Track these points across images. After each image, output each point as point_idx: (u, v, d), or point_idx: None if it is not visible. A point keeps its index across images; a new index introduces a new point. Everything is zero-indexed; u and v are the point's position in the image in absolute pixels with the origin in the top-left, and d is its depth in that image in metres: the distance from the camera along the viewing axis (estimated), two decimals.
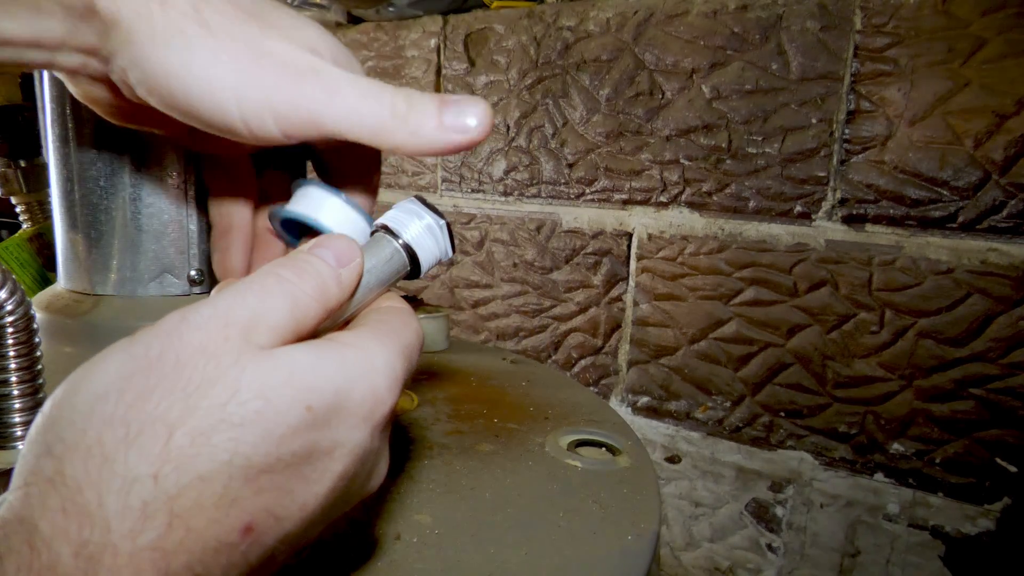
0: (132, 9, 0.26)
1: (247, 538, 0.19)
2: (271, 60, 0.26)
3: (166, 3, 0.26)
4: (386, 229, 0.29)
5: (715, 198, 0.81)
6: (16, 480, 0.19)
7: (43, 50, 0.26)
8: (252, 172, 0.35)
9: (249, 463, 0.19)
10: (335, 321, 0.26)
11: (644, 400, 0.89)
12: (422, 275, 0.30)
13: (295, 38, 0.28)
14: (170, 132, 0.33)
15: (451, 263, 1.02)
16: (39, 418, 0.19)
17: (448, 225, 0.30)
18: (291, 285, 0.22)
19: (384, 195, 1.07)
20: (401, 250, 0.28)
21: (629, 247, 0.88)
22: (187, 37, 0.26)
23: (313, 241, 0.25)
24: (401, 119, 0.26)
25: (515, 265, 0.97)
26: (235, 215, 0.34)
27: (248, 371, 0.20)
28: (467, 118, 0.26)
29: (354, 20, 1.08)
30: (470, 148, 0.28)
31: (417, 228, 0.29)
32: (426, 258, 0.29)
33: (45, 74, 0.46)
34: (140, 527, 0.17)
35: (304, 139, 0.28)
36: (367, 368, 0.22)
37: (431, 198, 1.01)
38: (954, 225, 0.69)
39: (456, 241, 1.05)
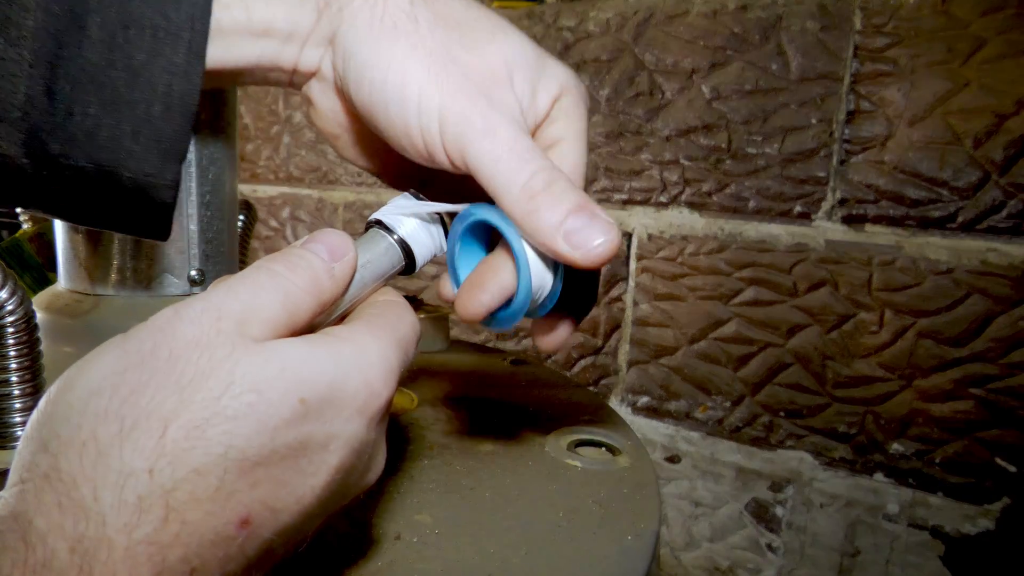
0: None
1: (244, 531, 0.19)
2: (456, 69, 0.26)
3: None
4: (380, 224, 0.29)
5: (715, 198, 0.81)
6: (12, 477, 0.19)
7: (295, 43, 0.28)
8: None
9: (244, 456, 0.19)
10: (330, 316, 0.26)
11: (644, 400, 0.89)
12: (417, 270, 0.30)
13: (489, 52, 0.27)
14: (380, 169, 0.34)
15: None
16: (34, 415, 0.19)
17: (443, 219, 0.30)
18: (283, 279, 0.22)
19: (383, 193, 1.07)
20: (396, 245, 0.28)
21: (629, 247, 0.88)
22: (397, 30, 0.26)
23: (307, 236, 0.25)
24: (528, 196, 0.25)
25: None
26: None
27: (241, 364, 0.20)
28: (593, 235, 0.25)
29: None
30: (580, 266, 0.25)
31: (412, 223, 0.29)
32: (421, 253, 0.29)
33: None
34: (136, 521, 0.18)
35: (452, 165, 0.27)
36: (361, 360, 0.22)
37: None
38: (954, 225, 0.69)
39: None
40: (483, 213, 0.28)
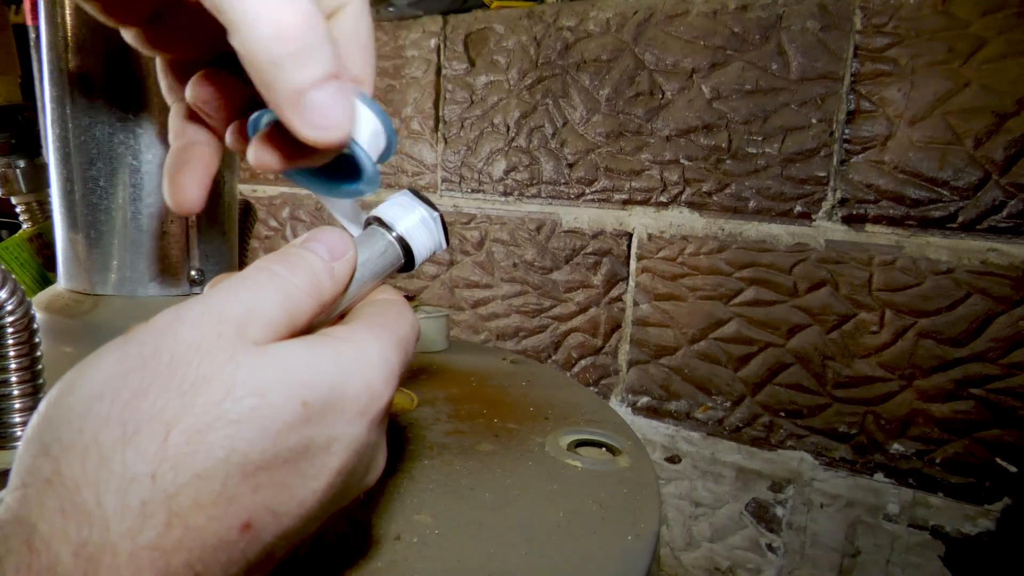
0: None
1: (246, 535, 0.19)
2: None
3: None
4: (379, 222, 0.29)
5: (715, 198, 0.81)
6: (13, 481, 0.19)
7: None
8: (225, 83, 0.28)
9: (246, 460, 0.19)
10: (329, 315, 0.26)
11: (644, 400, 0.89)
12: (416, 267, 0.30)
13: None
14: (133, 22, 0.27)
15: (451, 263, 1.02)
16: (35, 418, 0.19)
17: (442, 217, 0.30)
18: (284, 280, 0.22)
19: (383, 193, 1.07)
20: (395, 243, 0.28)
21: (629, 247, 0.88)
22: None
23: (306, 235, 0.25)
24: (278, 42, 0.20)
25: (515, 265, 0.97)
26: (196, 132, 0.29)
27: (243, 367, 0.20)
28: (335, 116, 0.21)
29: None
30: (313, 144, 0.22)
31: (410, 220, 0.29)
32: (420, 250, 0.29)
33: (45, 74, 0.46)
34: (139, 526, 0.18)
35: None
36: (362, 362, 0.22)
37: (431, 198, 1.01)
38: (954, 225, 0.69)
39: (451, 235, 1.04)
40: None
